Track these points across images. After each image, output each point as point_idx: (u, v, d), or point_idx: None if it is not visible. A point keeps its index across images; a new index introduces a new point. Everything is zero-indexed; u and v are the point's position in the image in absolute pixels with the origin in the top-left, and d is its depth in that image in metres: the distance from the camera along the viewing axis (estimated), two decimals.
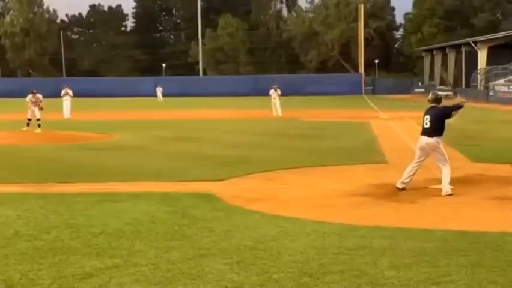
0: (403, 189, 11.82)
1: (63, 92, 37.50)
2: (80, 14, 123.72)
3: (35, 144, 21.64)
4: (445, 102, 12.19)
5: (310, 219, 9.36)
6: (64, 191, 11.96)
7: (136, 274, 6.67)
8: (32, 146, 21.12)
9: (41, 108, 27.01)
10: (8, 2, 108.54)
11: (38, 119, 26.68)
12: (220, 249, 7.66)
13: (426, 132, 11.70)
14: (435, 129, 11.61)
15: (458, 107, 11.79)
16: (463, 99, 12.25)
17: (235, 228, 8.80)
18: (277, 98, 37.93)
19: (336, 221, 9.24)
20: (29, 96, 27.34)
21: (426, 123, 11.69)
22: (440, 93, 14.05)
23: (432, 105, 11.88)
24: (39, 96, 27.36)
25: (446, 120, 11.76)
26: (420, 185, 12.14)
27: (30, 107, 27.10)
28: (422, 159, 11.88)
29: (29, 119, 26.98)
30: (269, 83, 43.03)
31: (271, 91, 38.36)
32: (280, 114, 36.90)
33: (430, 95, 12.18)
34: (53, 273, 6.71)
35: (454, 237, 8.21)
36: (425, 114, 11.84)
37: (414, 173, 11.90)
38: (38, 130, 26.06)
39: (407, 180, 11.89)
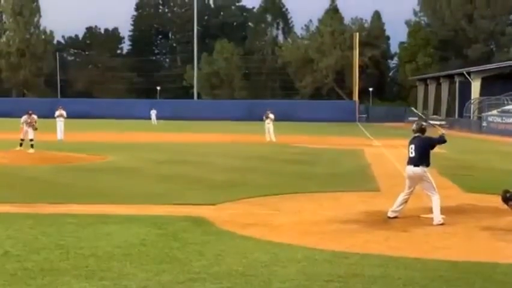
0: (395, 217, 11.85)
1: (57, 113, 37.50)
2: (76, 35, 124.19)
3: (27, 165, 21.57)
4: (430, 132, 12.32)
5: (302, 246, 9.33)
6: (54, 212, 11.90)
7: None
8: (24, 166, 21.04)
9: (35, 129, 27.04)
10: (5, 22, 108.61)
11: (31, 140, 26.66)
12: (211, 273, 7.62)
13: (412, 161, 11.80)
14: (421, 158, 11.71)
15: (441, 140, 11.92)
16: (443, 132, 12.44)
17: (226, 253, 8.77)
18: (270, 123, 37.99)
19: (327, 248, 9.22)
20: (24, 117, 27.41)
21: (412, 153, 11.81)
22: (432, 122, 14.18)
23: (416, 135, 11.98)
24: (34, 116, 27.45)
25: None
26: (412, 214, 12.14)
27: (23, 127, 27.12)
28: (412, 188, 11.94)
29: (22, 139, 26.96)
30: (263, 108, 43.06)
31: (265, 116, 38.45)
32: (273, 139, 36.92)
33: (414, 125, 12.30)
34: None
35: (445, 267, 8.19)
36: (410, 143, 11.97)
37: (405, 202, 11.95)
38: (31, 150, 26.00)
39: (399, 209, 11.92)
